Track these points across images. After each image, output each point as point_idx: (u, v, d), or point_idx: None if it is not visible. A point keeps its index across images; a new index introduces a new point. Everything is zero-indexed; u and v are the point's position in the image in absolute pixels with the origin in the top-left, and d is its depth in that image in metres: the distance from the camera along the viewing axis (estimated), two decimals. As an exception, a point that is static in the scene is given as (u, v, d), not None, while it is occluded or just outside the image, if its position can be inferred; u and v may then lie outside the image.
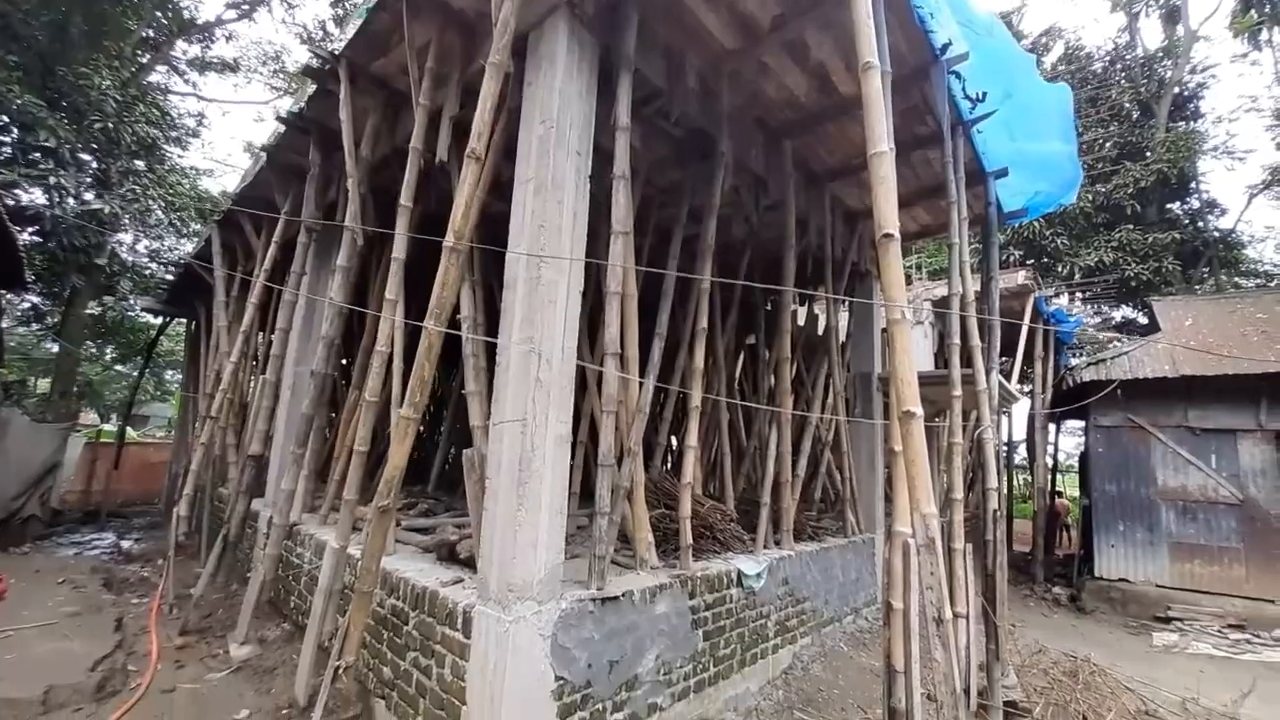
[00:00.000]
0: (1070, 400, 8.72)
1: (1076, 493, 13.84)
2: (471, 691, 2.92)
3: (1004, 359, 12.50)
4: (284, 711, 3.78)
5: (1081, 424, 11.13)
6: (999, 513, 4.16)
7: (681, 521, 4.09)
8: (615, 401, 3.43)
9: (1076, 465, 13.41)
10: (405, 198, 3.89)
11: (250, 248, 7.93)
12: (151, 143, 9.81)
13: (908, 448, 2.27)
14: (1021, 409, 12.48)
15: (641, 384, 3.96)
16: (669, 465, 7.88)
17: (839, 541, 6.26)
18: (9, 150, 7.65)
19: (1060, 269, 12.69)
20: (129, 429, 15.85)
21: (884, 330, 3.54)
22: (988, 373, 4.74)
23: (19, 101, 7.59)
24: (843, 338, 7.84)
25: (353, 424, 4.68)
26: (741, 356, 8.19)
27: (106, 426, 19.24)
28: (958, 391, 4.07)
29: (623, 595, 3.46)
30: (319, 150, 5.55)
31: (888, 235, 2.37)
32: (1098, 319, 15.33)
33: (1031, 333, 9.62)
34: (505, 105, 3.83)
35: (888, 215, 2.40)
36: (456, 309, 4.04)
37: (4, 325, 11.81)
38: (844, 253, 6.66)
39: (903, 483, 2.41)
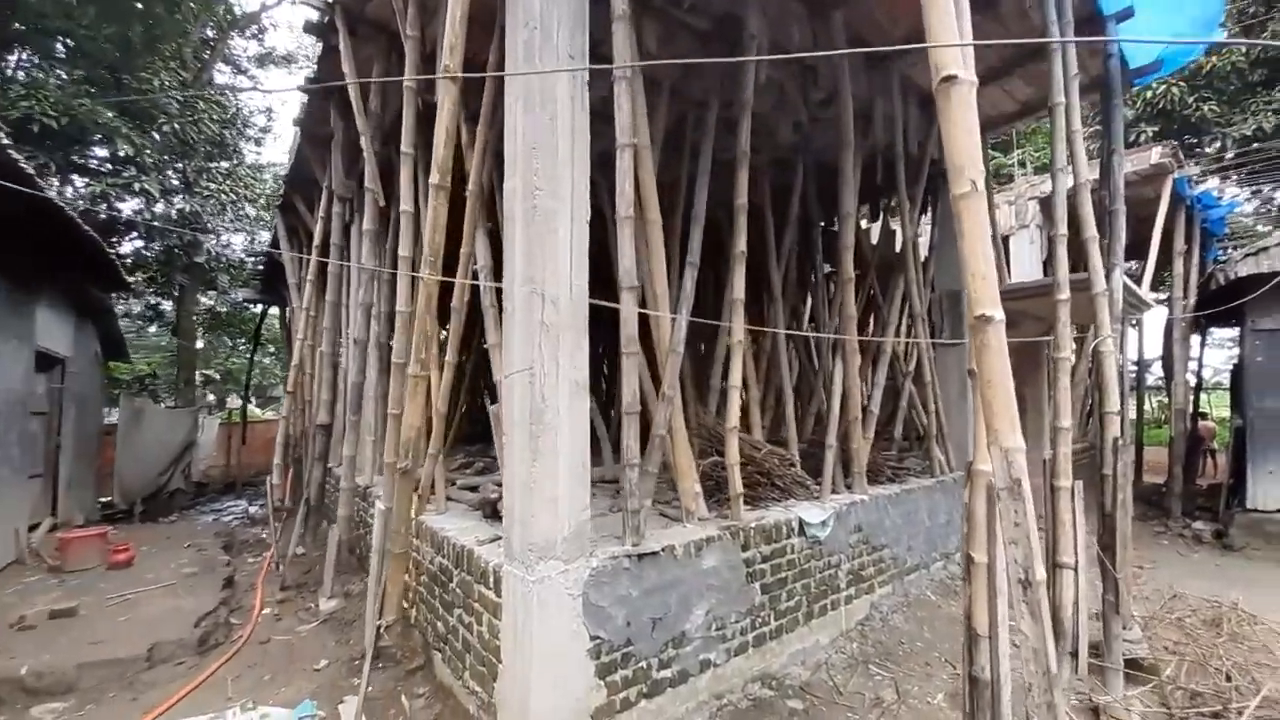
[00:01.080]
0: (1221, 301, 7.20)
1: (1225, 414, 11.86)
2: (505, 650, 2.82)
3: (1134, 263, 10.67)
4: (355, 662, 3.95)
5: (1233, 332, 9.36)
6: (1121, 441, 3.41)
7: (730, 469, 3.73)
8: (635, 342, 3.07)
9: (1227, 382, 11.37)
10: (405, 143, 3.64)
11: (310, 227, 8.20)
12: (222, 140, 10.29)
13: (983, 364, 1.73)
14: (1155, 319, 10.68)
15: (674, 320, 3.56)
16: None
17: (924, 482, 5.64)
18: (94, 162, 8.28)
19: (1207, 144, 10.24)
20: (257, 408, 17.78)
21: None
22: (1108, 272, 3.86)
23: (99, 119, 8.14)
24: (925, 252, 6.90)
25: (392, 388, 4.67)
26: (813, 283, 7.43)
27: (253, 408, 21.79)
28: (1063, 294, 3.29)
29: (663, 550, 3.20)
30: (338, 113, 5.43)
31: (949, 78, 1.76)
32: (1257, 203, 12.52)
33: (1170, 223, 7.95)
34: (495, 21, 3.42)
35: (947, 55, 1.78)
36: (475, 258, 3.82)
37: (130, 323, 13.33)
38: (920, 148, 5.69)
39: (989, 406, 1.89)
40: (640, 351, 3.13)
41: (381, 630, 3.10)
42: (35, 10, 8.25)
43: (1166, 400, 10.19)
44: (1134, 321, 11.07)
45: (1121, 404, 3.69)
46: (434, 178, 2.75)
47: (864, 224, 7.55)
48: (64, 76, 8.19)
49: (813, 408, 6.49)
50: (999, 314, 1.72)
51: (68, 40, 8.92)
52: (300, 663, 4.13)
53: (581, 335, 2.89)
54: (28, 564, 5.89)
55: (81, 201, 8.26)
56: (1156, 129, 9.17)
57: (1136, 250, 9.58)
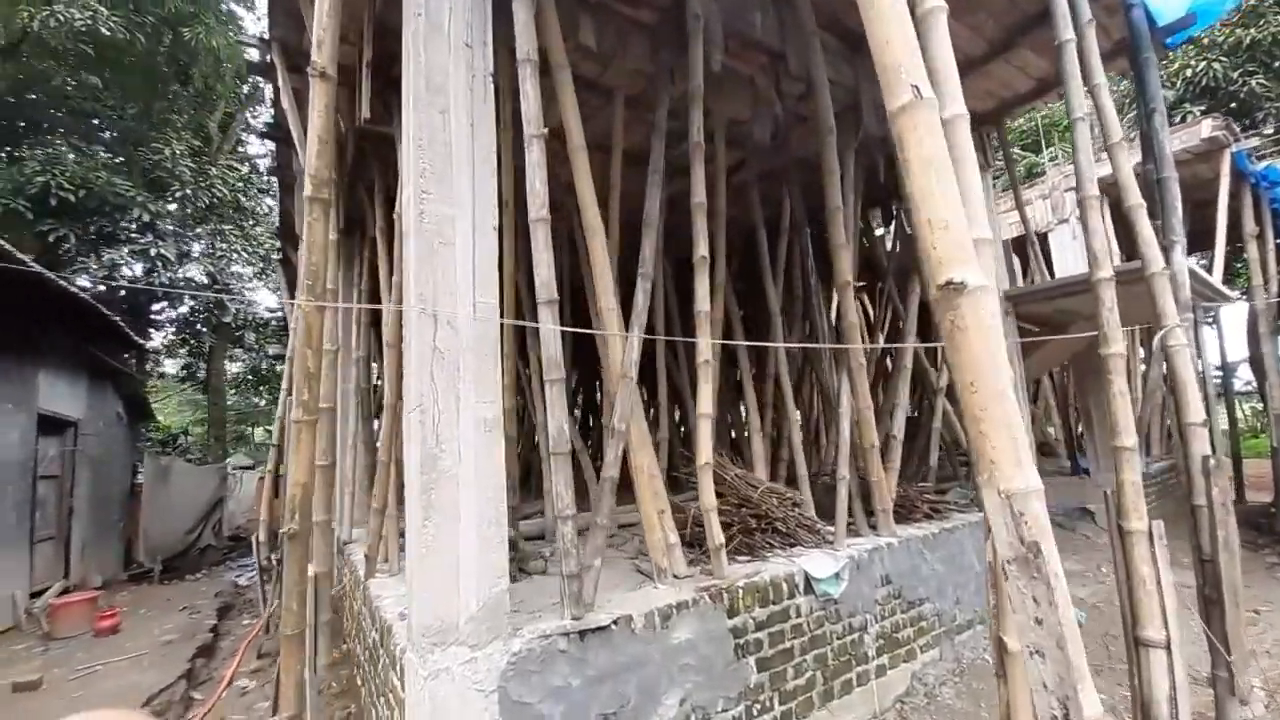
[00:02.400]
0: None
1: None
2: (402, 766, 2.23)
3: (1195, 257, 9.43)
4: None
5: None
6: (1214, 460, 2.58)
7: (705, 515, 3.08)
8: (558, 366, 2.53)
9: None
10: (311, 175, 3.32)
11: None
12: (236, 203, 10.66)
13: (959, 355, 1.12)
14: (1234, 317, 9.31)
15: (625, 339, 3.02)
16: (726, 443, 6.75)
17: (971, 518, 4.74)
18: (109, 228, 8.61)
19: (1260, 120, 8.94)
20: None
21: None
22: (1166, 251, 3.09)
23: (117, 189, 8.51)
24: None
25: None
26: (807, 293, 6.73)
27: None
28: (1104, 272, 2.53)
29: (615, 623, 2.56)
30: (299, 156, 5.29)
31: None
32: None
33: (1235, 204, 6.86)
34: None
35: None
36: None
37: (168, 383, 13.82)
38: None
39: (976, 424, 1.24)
40: (563, 378, 2.59)
41: (276, 731, 2.59)
42: (62, 93, 8.85)
43: (1261, 405, 8.74)
44: (1210, 318, 9.70)
45: (1208, 412, 2.86)
46: (307, 189, 2.37)
47: (878, 230, 6.87)
48: (82, 150, 8.65)
49: (832, 438, 5.74)
50: (978, 278, 1.10)
51: (95, 120, 9.50)
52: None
53: (490, 361, 2.39)
54: (24, 629, 5.74)
55: (102, 270, 8.56)
56: (1203, 108, 8.15)
57: (1200, 240, 8.41)
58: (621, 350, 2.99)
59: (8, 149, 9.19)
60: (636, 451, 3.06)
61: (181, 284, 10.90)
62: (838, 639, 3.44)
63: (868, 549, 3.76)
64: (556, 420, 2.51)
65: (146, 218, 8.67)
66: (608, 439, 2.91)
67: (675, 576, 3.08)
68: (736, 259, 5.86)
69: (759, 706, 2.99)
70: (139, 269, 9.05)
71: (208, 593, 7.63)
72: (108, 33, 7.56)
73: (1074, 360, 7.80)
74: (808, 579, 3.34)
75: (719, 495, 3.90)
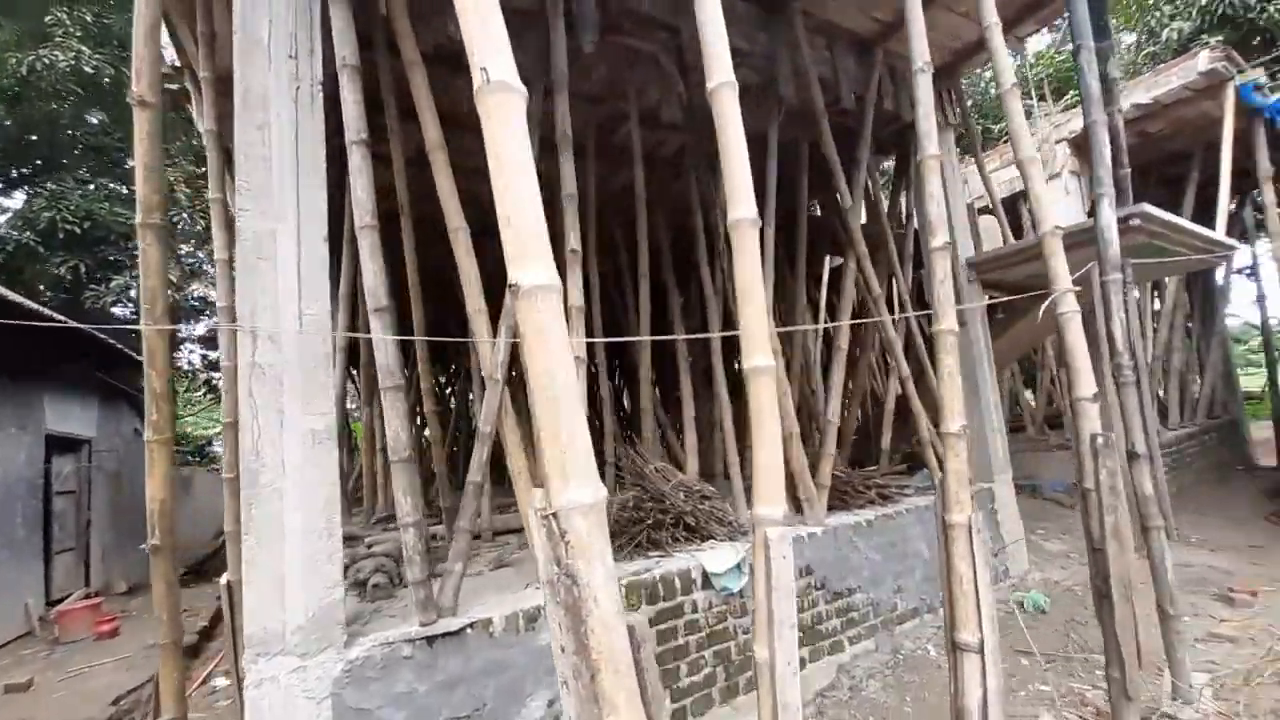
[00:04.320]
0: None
1: None
2: (243, 771, 2.30)
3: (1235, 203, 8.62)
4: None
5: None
6: (1103, 440, 2.36)
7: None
8: (393, 375, 2.53)
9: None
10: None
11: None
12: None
13: (525, 354, 1.04)
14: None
15: (494, 343, 2.99)
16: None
17: (921, 502, 4.54)
18: (116, 256, 9.12)
19: None
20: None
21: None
22: (1095, 205, 2.82)
23: (120, 219, 8.99)
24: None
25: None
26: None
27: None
28: (935, 240, 2.28)
29: (471, 627, 2.57)
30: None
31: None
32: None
33: (1247, 143, 6.21)
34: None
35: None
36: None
37: (189, 394, 14.57)
38: (859, 100, 4.76)
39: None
40: (402, 384, 2.58)
41: (155, 735, 2.72)
42: (67, 132, 9.39)
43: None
44: (1248, 270, 8.89)
45: (1110, 381, 2.62)
46: (138, 215, 2.42)
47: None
48: (88, 184, 9.17)
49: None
50: (534, 278, 1.02)
51: (101, 155, 10.04)
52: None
53: (319, 373, 2.40)
54: (38, 634, 6.23)
55: (111, 295, 9.08)
56: (1220, 39, 7.35)
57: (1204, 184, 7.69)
58: (490, 353, 2.97)
59: (25, 188, 9.84)
60: (514, 454, 3.04)
61: (194, 302, 11.46)
62: (744, 634, 3.35)
63: (785, 540, 3.63)
64: (394, 428, 2.52)
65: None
66: (479, 442, 2.90)
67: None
68: (675, 245, 5.72)
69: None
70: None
71: (213, 596, 8.08)
72: (91, 71, 7.95)
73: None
74: (705, 574, 3.26)
75: (641, 489, 3.86)
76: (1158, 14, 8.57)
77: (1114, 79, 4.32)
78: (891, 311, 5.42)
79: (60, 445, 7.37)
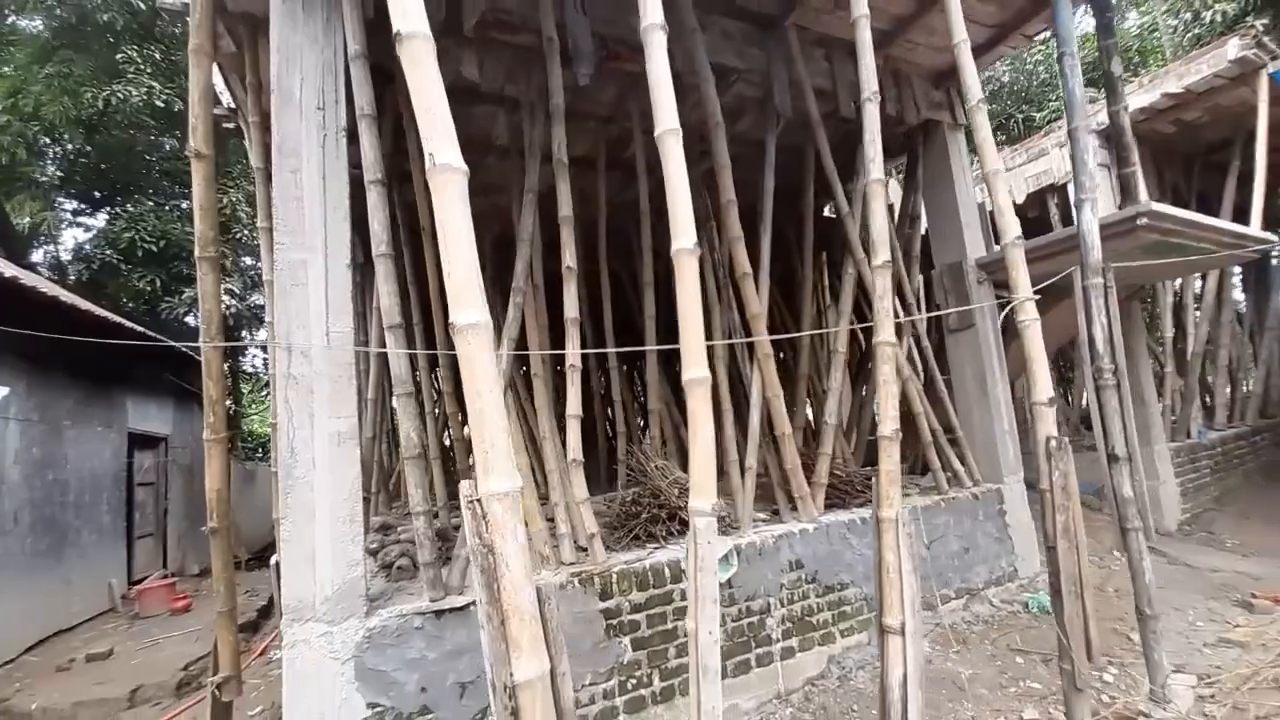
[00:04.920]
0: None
1: None
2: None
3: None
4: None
5: None
6: (1057, 444, 2.48)
7: (572, 508, 3.33)
8: (403, 383, 2.89)
9: None
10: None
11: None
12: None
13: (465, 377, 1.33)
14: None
15: (499, 354, 3.33)
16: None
17: (922, 501, 4.63)
18: (188, 270, 10.05)
19: None
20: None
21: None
22: (1078, 210, 2.92)
23: (190, 237, 9.91)
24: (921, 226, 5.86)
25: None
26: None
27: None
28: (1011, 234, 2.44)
29: (474, 605, 2.90)
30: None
31: None
32: None
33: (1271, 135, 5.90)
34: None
35: None
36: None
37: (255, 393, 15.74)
38: (858, 108, 4.85)
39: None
40: (414, 392, 2.95)
41: (214, 688, 3.17)
42: (144, 158, 10.42)
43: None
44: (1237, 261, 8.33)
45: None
46: (197, 249, 2.88)
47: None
48: (163, 206, 10.16)
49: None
50: (467, 317, 1.31)
51: (177, 180, 11.06)
52: (247, 709, 4.40)
53: (344, 382, 2.79)
54: (120, 610, 7.05)
55: (183, 306, 10.03)
56: (1266, 21, 6.92)
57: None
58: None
59: (107, 209, 10.95)
60: (514, 453, 3.37)
61: (257, 309, 12.40)
62: (732, 621, 3.58)
63: (774, 535, 3.84)
64: (405, 429, 2.89)
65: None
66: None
67: (562, 563, 3.37)
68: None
69: (634, 681, 3.23)
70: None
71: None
72: (162, 104, 8.84)
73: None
74: (695, 565, 3.50)
75: (640, 486, 4.14)
76: (1203, -4, 8.19)
77: (1118, 76, 4.29)
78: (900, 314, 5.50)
79: (141, 442, 8.26)
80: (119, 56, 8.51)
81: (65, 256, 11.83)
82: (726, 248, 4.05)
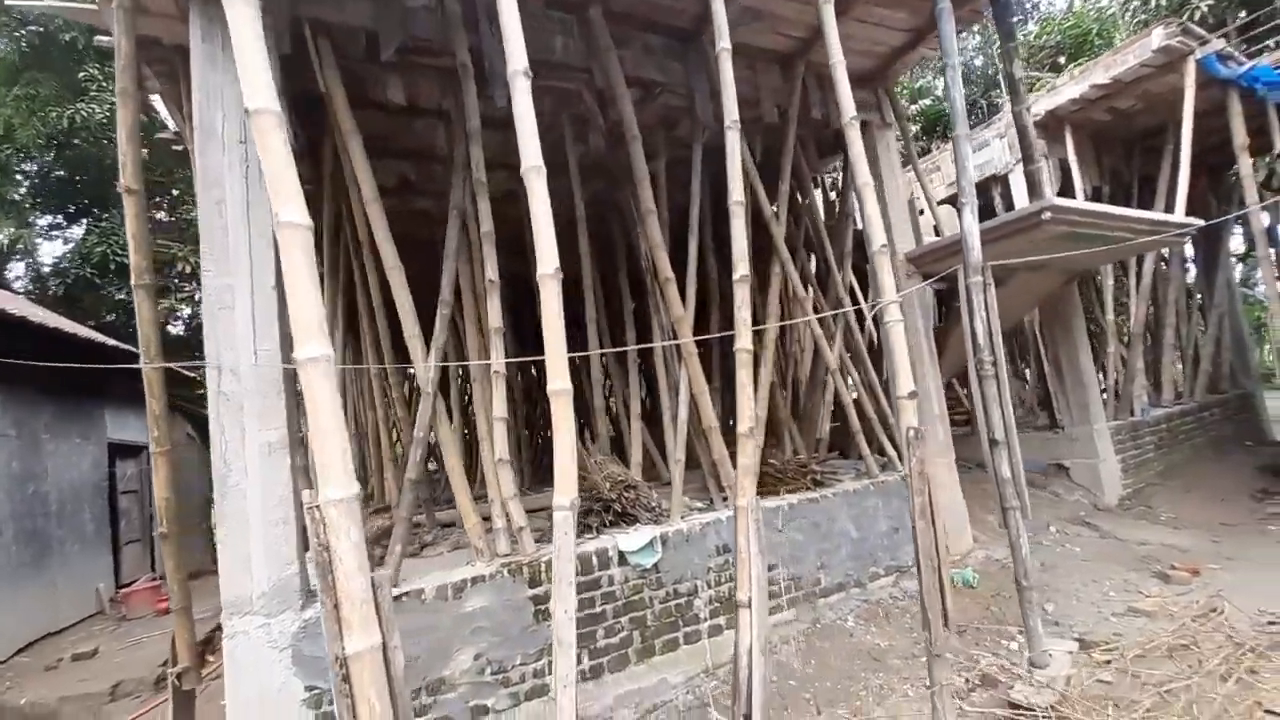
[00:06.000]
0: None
1: None
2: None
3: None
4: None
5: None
6: (915, 434, 2.73)
7: (505, 503, 3.59)
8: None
9: None
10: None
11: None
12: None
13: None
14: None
15: (427, 364, 3.56)
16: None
17: (850, 486, 4.91)
18: (161, 282, 10.23)
19: None
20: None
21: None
22: (959, 213, 3.12)
23: (160, 248, 10.06)
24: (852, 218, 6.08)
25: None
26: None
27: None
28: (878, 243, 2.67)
29: (406, 595, 3.17)
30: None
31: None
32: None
33: (1217, 116, 6.08)
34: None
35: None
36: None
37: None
38: (781, 113, 5.07)
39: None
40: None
41: (174, 678, 3.44)
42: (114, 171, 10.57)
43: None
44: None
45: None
46: (132, 278, 3.10)
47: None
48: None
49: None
50: (309, 351, 1.55)
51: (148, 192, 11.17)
52: (217, 701, 4.68)
53: (273, 396, 3.02)
54: (108, 613, 7.33)
55: (160, 317, 10.20)
56: (1210, 3, 7.04)
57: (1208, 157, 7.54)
58: (423, 371, 3.54)
59: (84, 220, 11.09)
60: (448, 455, 3.63)
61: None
62: (660, 604, 3.86)
63: (702, 523, 4.11)
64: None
65: (188, 269, 10.24)
66: (414, 446, 3.49)
67: (496, 555, 3.63)
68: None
69: (563, 662, 3.50)
70: (187, 312, 10.73)
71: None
72: (128, 119, 8.99)
73: (1042, 309, 7.37)
74: (621, 553, 3.77)
75: (583, 480, 4.40)
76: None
77: (1019, 79, 4.50)
78: (836, 305, 5.74)
79: (122, 451, 8.50)
80: (81, 75, 8.64)
81: (45, 271, 12.00)
82: (649, 255, 4.27)
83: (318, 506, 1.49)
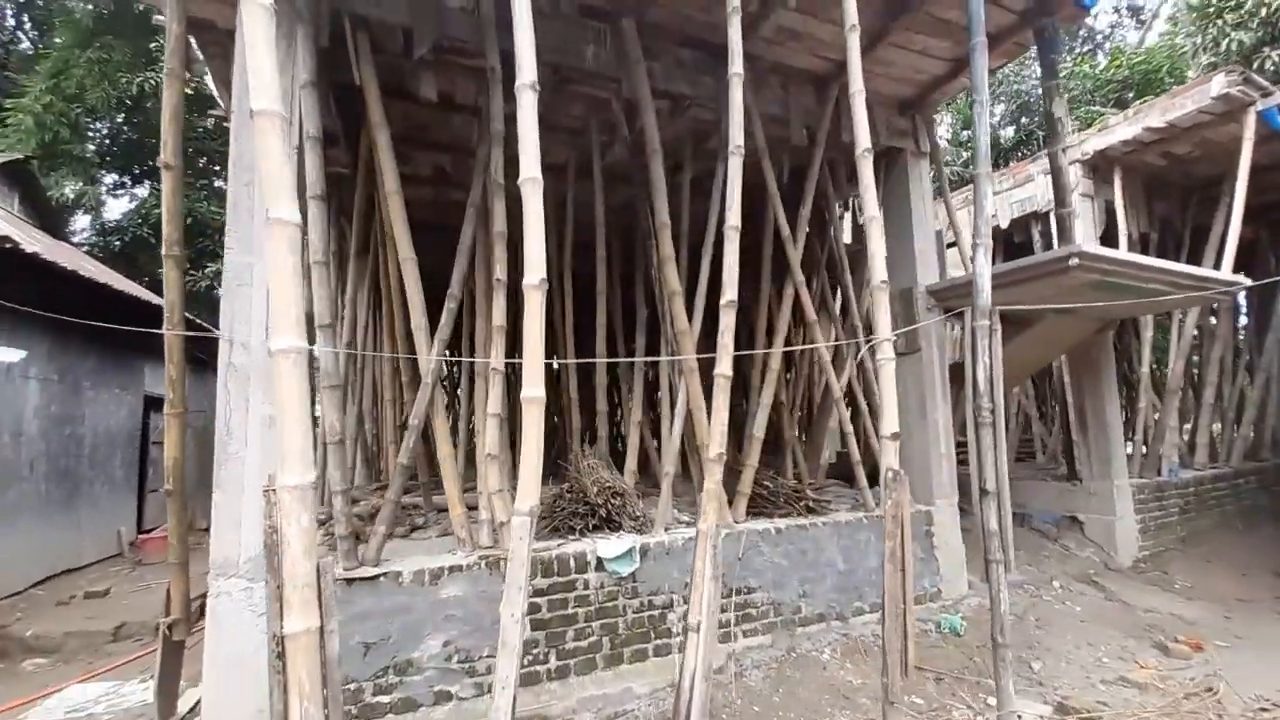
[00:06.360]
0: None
1: None
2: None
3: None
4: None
5: None
6: (894, 476, 2.69)
7: (489, 497, 3.67)
8: (329, 377, 3.27)
9: None
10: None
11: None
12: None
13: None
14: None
15: (431, 356, 3.67)
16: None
17: (842, 517, 4.84)
18: (211, 246, 10.75)
19: None
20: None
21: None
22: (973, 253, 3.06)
23: (212, 214, 10.60)
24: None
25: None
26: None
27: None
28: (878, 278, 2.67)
29: (383, 576, 3.29)
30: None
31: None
32: None
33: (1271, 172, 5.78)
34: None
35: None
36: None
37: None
38: (809, 135, 5.04)
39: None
40: (339, 385, 3.31)
41: (165, 628, 3.63)
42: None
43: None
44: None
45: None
46: (163, 249, 3.29)
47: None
48: (191, 184, 10.86)
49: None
50: (279, 344, 1.64)
51: (208, 159, 11.77)
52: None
53: (278, 373, 3.17)
54: (126, 556, 7.76)
55: (206, 279, 10.74)
56: None
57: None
58: (427, 363, 3.66)
59: (148, 181, 11.73)
60: (440, 444, 3.74)
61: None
62: (633, 613, 3.89)
63: (685, 537, 4.12)
64: (329, 419, 3.26)
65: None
66: (409, 433, 3.61)
67: (477, 547, 3.72)
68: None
69: (531, 658, 3.57)
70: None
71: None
72: (191, 91, 9.48)
73: (1071, 354, 7.10)
74: (599, 558, 3.82)
75: (569, 483, 4.47)
76: (1220, 23, 7.94)
77: (1058, 118, 4.37)
78: (852, 331, 5.67)
79: (157, 404, 8.96)
80: (151, 45, 9.15)
81: (109, 226, 12.76)
82: (659, 267, 4.30)
83: (274, 490, 1.58)
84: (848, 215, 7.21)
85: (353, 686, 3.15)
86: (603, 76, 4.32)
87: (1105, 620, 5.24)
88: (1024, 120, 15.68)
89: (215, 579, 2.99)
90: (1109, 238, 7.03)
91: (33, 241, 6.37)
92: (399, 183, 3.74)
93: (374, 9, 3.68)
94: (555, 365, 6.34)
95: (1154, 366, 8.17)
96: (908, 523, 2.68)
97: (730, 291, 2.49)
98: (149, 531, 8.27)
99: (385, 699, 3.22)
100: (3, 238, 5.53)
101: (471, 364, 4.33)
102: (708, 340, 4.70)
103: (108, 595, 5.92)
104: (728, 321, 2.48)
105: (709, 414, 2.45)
